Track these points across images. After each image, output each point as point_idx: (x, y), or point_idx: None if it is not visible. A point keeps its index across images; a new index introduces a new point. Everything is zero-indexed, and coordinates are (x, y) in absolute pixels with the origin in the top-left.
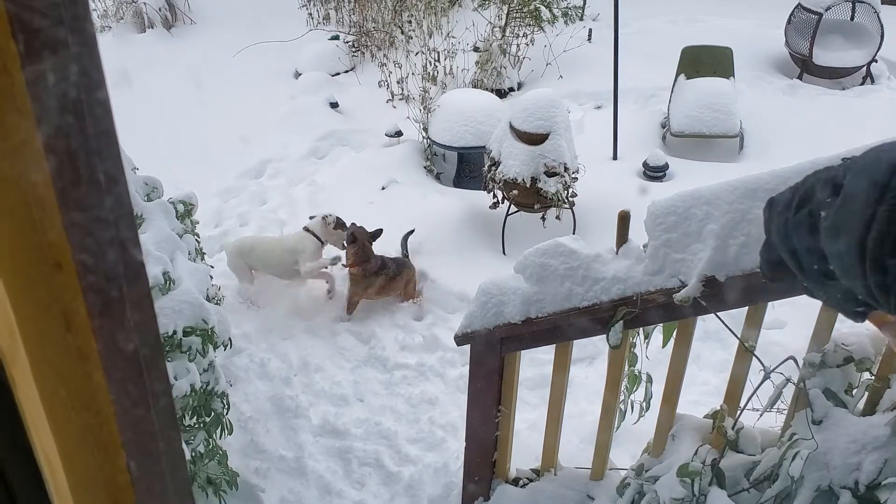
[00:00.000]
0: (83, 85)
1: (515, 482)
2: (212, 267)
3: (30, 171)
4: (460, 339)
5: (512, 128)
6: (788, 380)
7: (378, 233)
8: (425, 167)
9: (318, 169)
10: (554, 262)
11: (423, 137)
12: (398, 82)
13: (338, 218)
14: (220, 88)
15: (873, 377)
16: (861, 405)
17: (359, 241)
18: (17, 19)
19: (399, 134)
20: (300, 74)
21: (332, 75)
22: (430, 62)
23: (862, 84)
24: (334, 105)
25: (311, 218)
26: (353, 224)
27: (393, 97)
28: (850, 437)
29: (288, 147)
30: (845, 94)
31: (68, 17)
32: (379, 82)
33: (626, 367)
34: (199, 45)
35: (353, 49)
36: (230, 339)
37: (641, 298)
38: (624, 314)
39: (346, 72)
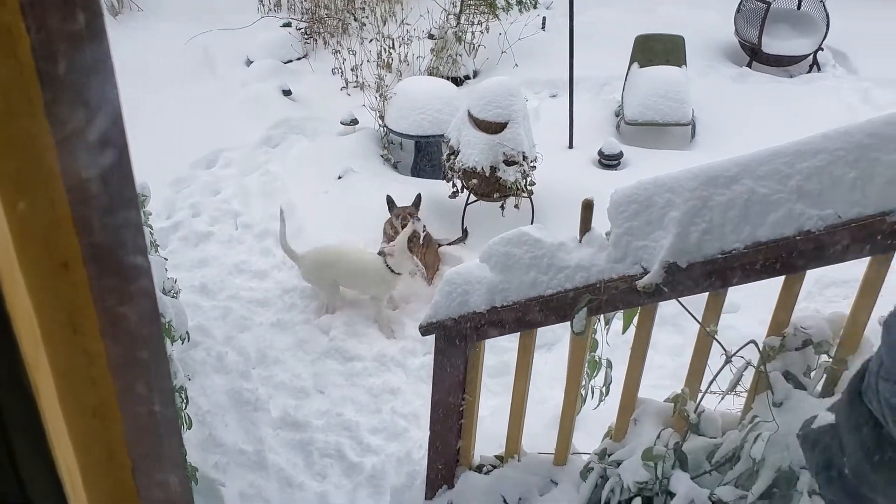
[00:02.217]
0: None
1: (479, 469)
2: (166, 259)
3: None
4: (425, 329)
5: (470, 116)
6: (749, 363)
7: (418, 200)
8: (382, 156)
9: (272, 158)
10: (518, 252)
11: (380, 126)
12: (352, 70)
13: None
14: (170, 77)
15: (831, 359)
16: (820, 387)
17: (414, 215)
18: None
19: (354, 122)
20: (252, 62)
21: (285, 63)
22: (384, 49)
23: (809, 72)
24: (287, 93)
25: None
26: (399, 208)
27: (347, 85)
28: (809, 419)
29: (240, 136)
30: (793, 81)
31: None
32: (333, 70)
33: (588, 353)
34: (147, 33)
35: (306, 36)
36: (187, 332)
37: (605, 286)
38: (588, 301)
39: (299, 59)
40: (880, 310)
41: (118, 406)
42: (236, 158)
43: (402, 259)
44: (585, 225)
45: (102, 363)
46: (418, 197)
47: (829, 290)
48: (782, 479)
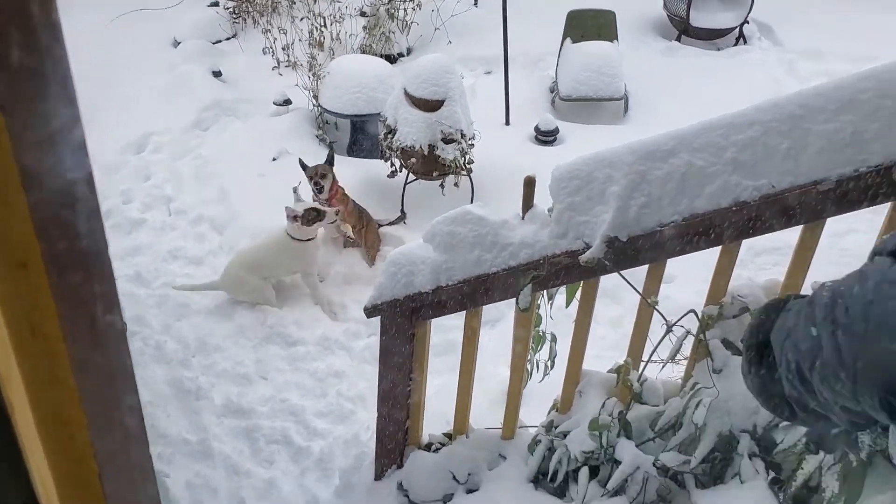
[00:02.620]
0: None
1: (428, 447)
2: None
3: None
4: (370, 311)
5: (407, 94)
6: (689, 332)
7: (331, 155)
8: (317, 136)
9: (204, 141)
10: (462, 230)
11: (314, 105)
12: (284, 49)
13: (315, 210)
14: (94, 59)
15: None
16: None
17: (328, 174)
18: None
19: (287, 102)
20: (179, 43)
21: (214, 43)
22: (316, 28)
23: (735, 45)
24: (217, 74)
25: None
26: (312, 167)
27: (279, 64)
28: None
29: (170, 119)
30: (720, 54)
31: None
32: (263, 49)
33: (532, 328)
34: (65, 16)
35: (235, 15)
36: (124, 322)
37: (549, 261)
38: (533, 278)
39: (228, 39)
40: (812, 276)
41: (83, 411)
42: (167, 142)
43: (302, 229)
44: (528, 202)
45: (65, 365)
46: (330, 153)
47: (761, 258)
48: (723, 443)
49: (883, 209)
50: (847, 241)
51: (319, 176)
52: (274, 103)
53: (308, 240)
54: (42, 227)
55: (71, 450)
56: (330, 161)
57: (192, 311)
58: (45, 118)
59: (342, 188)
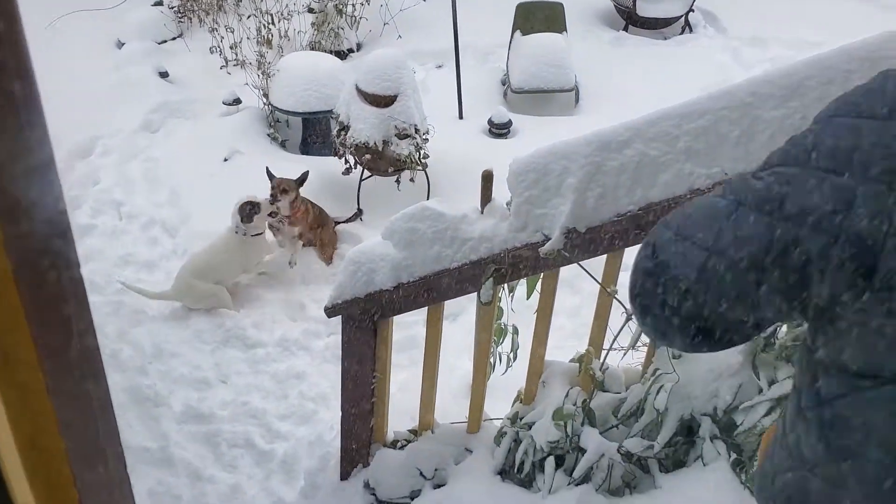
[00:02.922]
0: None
1: (394, 445)
2: None
3: None
4: (331, 311)
5: (359, 90)
6: None
7: (304, 176)
8: (269, 135)
9: (153, 143)
10: (422, 226)
11: (264, 104)
12: (231, 48)
13: (249, 203)
14: (36, 61)
15: None
16: None
17: (290, 191)
18: None
19: (237, 102)
20: (123, 44)
21: (159, 43)
22: (263, 25)
23: (681, 33)
24: (164, 75)
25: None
26: (277, 179)
27: (227, 63)
28: (707, 367)
29: (118, 122)
30: (667, 43)
31: None
32: (210, 48)
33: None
34: None
35: (180, 15)
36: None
37: (509, 255)
38: (494, 271)
39: (174, 39)
40: None
41: (60, 435)
42: (115, 145)
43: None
44: (486, 196)
45: (41, 391)
46: (304, 175)
47: None
48: (685, 427)
49: None
50: None
51: (280, 190)
52: (223, 103)
53: (256, 235)
54: (12, 249)
55: (49, 474)
56: (300, 181)
57: (148, 318)
58: (17, 144)
59: (308, 206)
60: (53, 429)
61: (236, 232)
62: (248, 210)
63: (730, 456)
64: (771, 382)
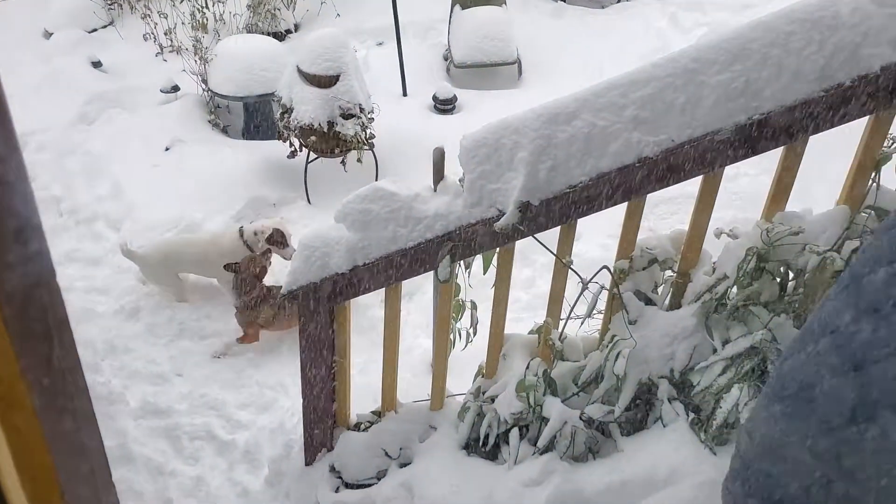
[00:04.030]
0: None
1: (357, 427)
2: None
3: None
4: (286, 298)
5: (300, 71)
6: (603, 287)
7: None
8: (210, 121)
9: (90, 136)
10: (375, 207)
11: (204, 90)
12: (166, 34)
13: (275, 230)
14: None
15: (675, 274)
16: (667, 301)
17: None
18: None
19: (176, 89)
20: (51, 34)
21: (90, 32)
22: (197, 9)
23: (619, 1)
24: (97, 64)
25: (251, 223)
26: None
27: (162, 50)
28: (662, 331)
29: (51, 115)
30: (606, 12)
31: None
32: (144, 35)
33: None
34: None
35: (109, 2)
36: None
37: (464, 231)
38: (450, 249)
39: (105, 27)
40: (714, 223)
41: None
42: (50, 140)
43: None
44: (438, 173)
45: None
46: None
47: (659, 208)
48: (643, 390)
49: (772, 152)
50: (737, 185)
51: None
52: (161, 91)
53: (254, 252)
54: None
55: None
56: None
57: (97, 314)
58: None
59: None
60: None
61: (244, 241)
62: (279, 239)
63: (688, 416)
64: (724, 342)
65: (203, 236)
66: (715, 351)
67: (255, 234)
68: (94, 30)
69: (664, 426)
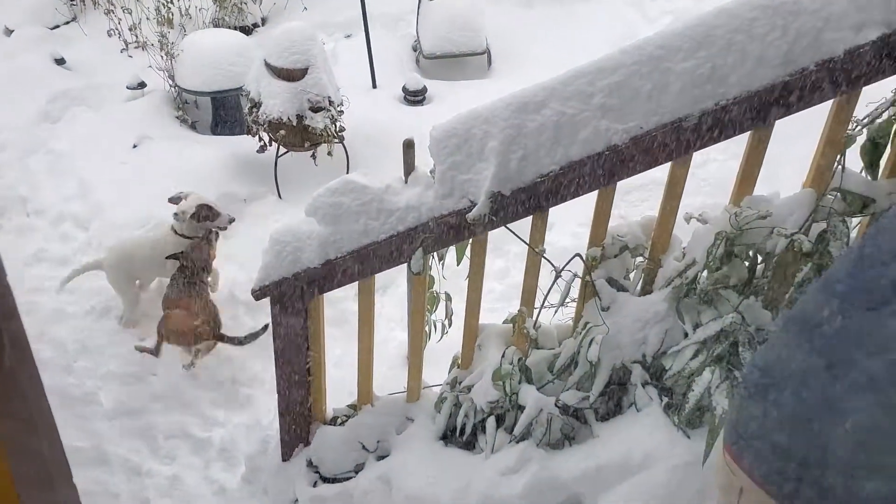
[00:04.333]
0: None
1: (334, 421)
2: None
3: None
4: (259, 293)
5: (268, 65)
6: (575, 275)
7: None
8: (178, 117)
9: (55, 134)
10: (346, 200)
11: (171, 86)
12: (130, 29)
13: (199, 206)
14: None
15: (646, 260)
16: (639, 287)
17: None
18: None
19: (142, 85)
20: (12, 31)
21: (52, 29)
22: (162, 4)
23: None
24: (60, 61)
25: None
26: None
27: (127, 46)
28: (634, 316)
29: (13, 114)
30: (573, 2)
31: None
32: (108, 31)
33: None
34: None
35: None
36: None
37: (436, 222)
38: (423, 240)
39: (67, 23)
40: (684, 209)
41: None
42: (13, 140)
43: (192, 224)
44: (409, 165)
45: None
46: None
47: (631, 195)
48: (617, 375)
49: (740, 138)
50: (706, 171)
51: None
52: (127, 87)
53: (195, 237)
54: None
55: None
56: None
57: (68, 315)
58: None
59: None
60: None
61: (174, 230)
62: (206, 213)
63: (661, 400)
64: (695, 326)
65: (150, 235)
66: (686, 335)
67: (178, 216)
68: (57, 26)
69: (638, 411)
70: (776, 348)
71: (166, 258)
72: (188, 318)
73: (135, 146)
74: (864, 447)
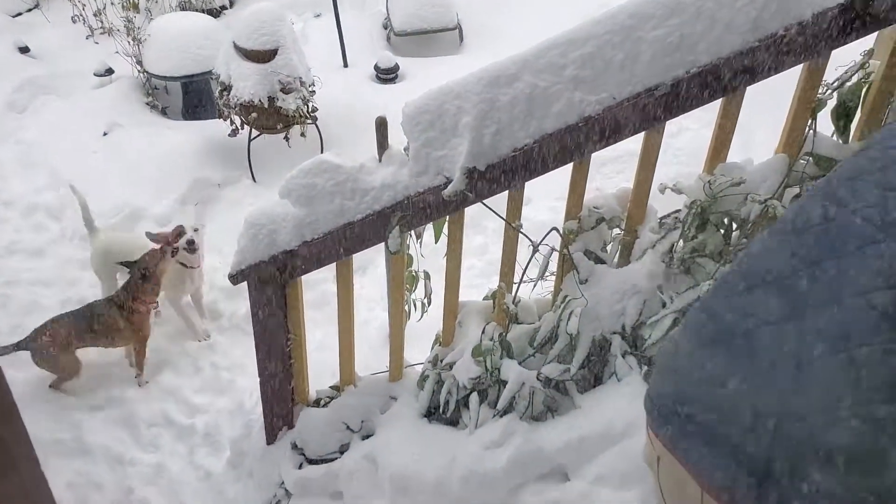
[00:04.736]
0: None
1: (317, 403)
2: None
3: None
4: (235, 278)
5: (237, 47)
6: (553, 249)
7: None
8: (147, 103)
9: (22, 124)
10: (320, 181)
11: (139, 72)
12: (95, 15)
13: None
14: None
15: (623, 231)
16: (616, 258)
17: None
18: None
19: (110, 72)
20: None
21: (14, 16)
22: None
23: None
24: (25, 50)
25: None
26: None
27: (93, 32)
28: (613, 288)
29: None
30: None
31: None
32: (72, 17)
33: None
34: None
35: None
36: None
37: (412, 200)
38: (400, 219)
39: (30, 10)
40: (659, 179)
41: None
42: None
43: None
44: (382, 143)
45: None
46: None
47: (606, 168)
48: (597, 347)
49: (713, 107)
50: (680, 141)
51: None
52: (95, 74)
53: (190, 267)
54: None
55: None
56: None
57: (43, 307)
58: None
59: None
60: None
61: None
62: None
63: (641, 369)
64: (673, 295)
65: (136, 239)
66: (664, 304)
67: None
68: (19, 14)
69: (619, 381)
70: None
71: (120, 263)
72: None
73: (105, 134)
74: (826, 395)
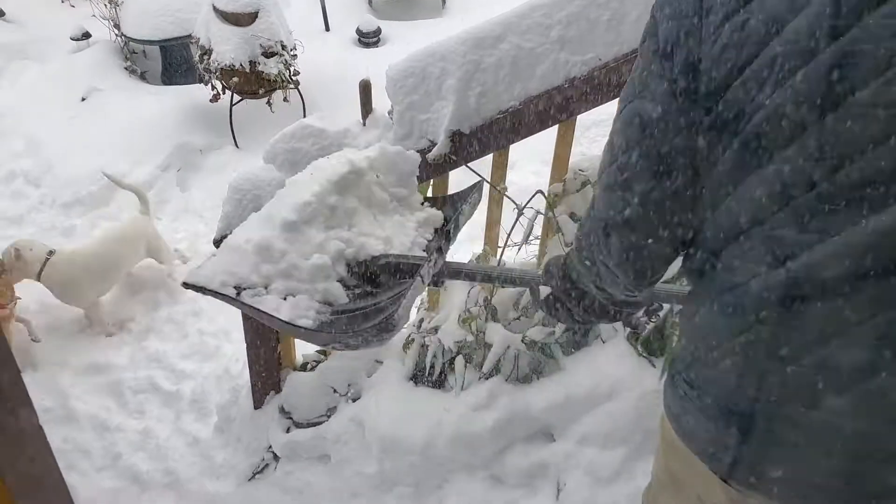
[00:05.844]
0: None
1: (304, 367)
2: None
3: None
4: (220, 243)
5: (216, 10)
6: (538, 212)
7: None
8: (126, 68)
9: None
10: (304, 146)
11: (117, 35)
12: None
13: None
14: None
15: None
16: None
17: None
18: None
19: (87, 36)
20: None
21: None
22: None
23: None
24: None
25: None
26: None
27: None
28: None
29: None
30: None
31: None
32: None
33: None
34: None
35: None
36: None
37: None
38: None
39: None
40: None
41: None
42: None
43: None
44: (366, 107)
45: None
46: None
47: (591, 132)
48: None
49: None
50: None
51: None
52: (71, 39)
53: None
54: None
55: None
56: None
57: None
58: None
59: None
60: None
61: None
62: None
63: (625, 331)
64: None
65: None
66: None
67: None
68: None
69: (603, 342)
70: None
71: None
72: None
73: (83, 99)
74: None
